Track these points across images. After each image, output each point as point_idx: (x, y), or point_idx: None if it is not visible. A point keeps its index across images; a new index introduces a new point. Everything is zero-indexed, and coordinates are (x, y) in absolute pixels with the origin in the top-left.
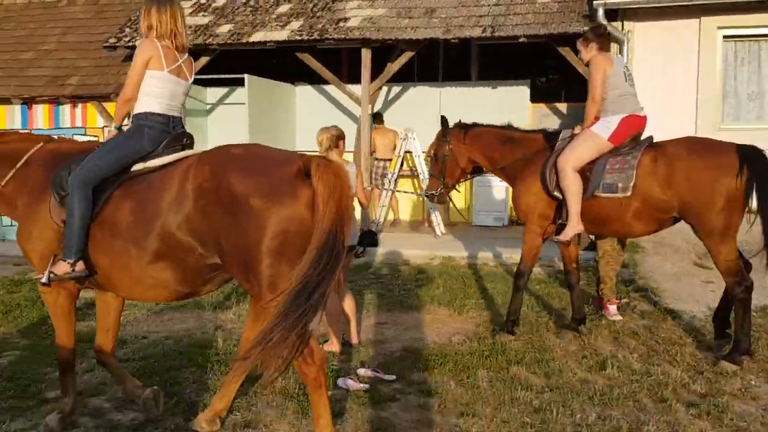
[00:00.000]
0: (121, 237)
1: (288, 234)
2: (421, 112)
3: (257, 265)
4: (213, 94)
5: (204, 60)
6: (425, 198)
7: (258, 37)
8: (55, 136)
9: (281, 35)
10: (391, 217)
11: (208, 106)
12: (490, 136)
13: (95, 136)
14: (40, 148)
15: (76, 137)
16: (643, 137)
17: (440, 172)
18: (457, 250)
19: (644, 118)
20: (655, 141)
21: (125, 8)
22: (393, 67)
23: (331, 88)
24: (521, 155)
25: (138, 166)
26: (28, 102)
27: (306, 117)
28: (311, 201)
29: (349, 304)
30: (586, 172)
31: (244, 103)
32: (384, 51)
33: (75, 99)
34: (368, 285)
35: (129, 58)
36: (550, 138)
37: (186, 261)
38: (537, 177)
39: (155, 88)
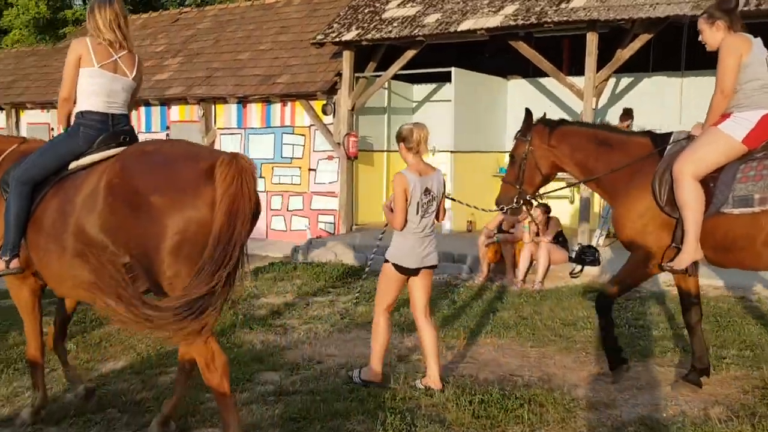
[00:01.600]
0: (46, 234)
1: (187, 234)
2: (656, 108)
3: (158, 265)
4: (419, 91)
5: (410, 54)
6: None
7: (467, 25)
8: (29, 137)
9: (494, 21)
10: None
11: (414, 104)
12: (581, 138)
13: (302, 135)
14: (12, 150)
15: (285, 135)
16: None
17: (517, 178)
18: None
19: None
20: None
21: (336, 5)
22: (624, 54)
23: (548, 81)
24: (623, 163)
25: (73, 165)
26: (243, 101)
27: (518, 114)
28: (214, 200)
29: (427, 338)
30: (709, 183)
31: (450, 100)
32: (610, 37)
33: (284, 98)
34: (584, 318)
35: (337, 54)
36: (658, 141)
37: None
38: (645, 192)
39: (89, 86)
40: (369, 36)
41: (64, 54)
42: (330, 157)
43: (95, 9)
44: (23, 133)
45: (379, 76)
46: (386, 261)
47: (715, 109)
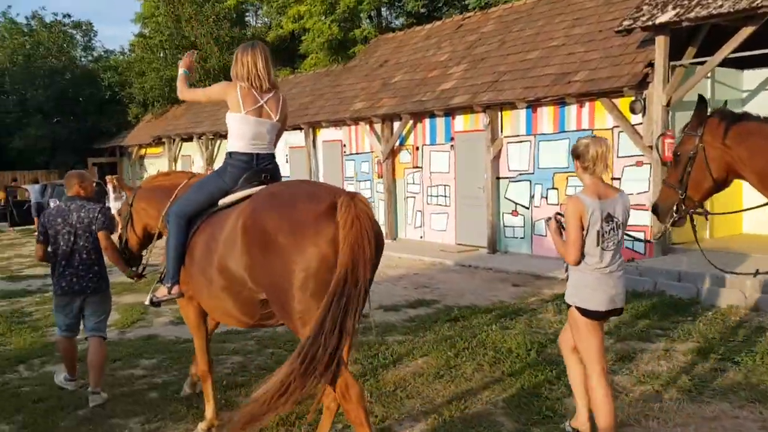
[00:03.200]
0: (196, 266)
1: (311, 270)
2: None
3: (289, 301)
4: (751, 78)
5: (746, 32)
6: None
7: None
8: (196, 172)
9: None
10: None
11: (745, 94)
12: (765, 139)
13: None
14: (186, 182)
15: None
16: None
17: (680, 182)
18: None
19: None
20: None
21: None
22: None
23: None
24: None
25: (221, 202)
26: (532, 105)
27: None
28: (336, 238)
29: (600, 401)
30: None
31: None
32: None
33: (581, 97)
34: None
35: (647, 42)
36: None
37: (242, 294)
38: None
39: (236, 129)
40: (691, 15)
41: (354, 73)
42: (639, 163)
43: (240, 55)
44: (320, 150)
45: (702, 62)
46: (568, 306)
47: None
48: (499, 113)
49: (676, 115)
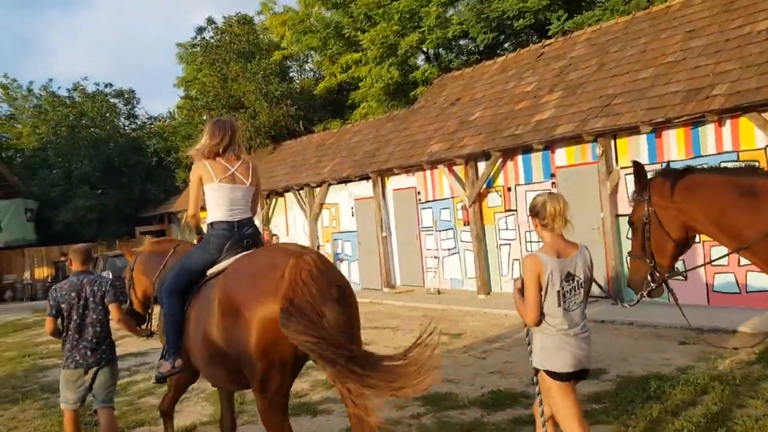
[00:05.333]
0: (190, 338)
1: (268, 337)
2: None
3: (253, 370)
4: None
5: None
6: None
7: None
8: (182, 240)
9: None
10: None
11: None
12: (718, 188)
13: (755, 161)
14: (175, 249)
15: (724, 164)
16: None
17: (643, 250)
18: None
19: None
20: None
21: None
22: None
23: None
24: None
25: (209, 272)
26: (657, 128)
27: None
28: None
29: None
30: None
31: None
32: None
33: (723, 114)
34: None
35: None
36: None
37: (229, 363)
38: None
39: (213, 198)
40: None
41: (421, 114)
42: None
43: (207, 131)
44: (390, 200)
45: None
46: (536, 370)
47: None
48: (612, 141)
49: None
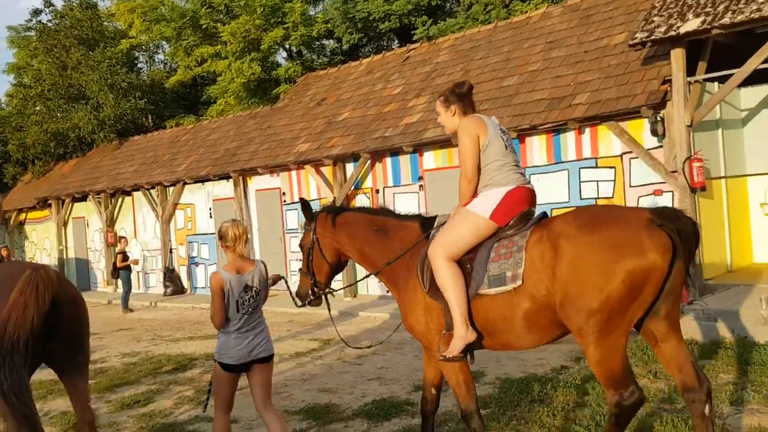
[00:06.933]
0: None
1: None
2: None
3: None
4: (749, 96)
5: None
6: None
7: None
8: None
9: None
10: None
11: (743, 113)
12: (361, 225)
13: (611, 167)
14: None
15: (584, 171)
16: None
17: (308, 269)
18: None
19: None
20: None
21: (617, 4)
22: None
23: None
24: (398, 252)
25: None
26: (520, 135)
27: None
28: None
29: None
30: (466, 264)
31: None
32: None
33: (585, 122)
34: None
35: (654, 58)
36: (425, 225)
37: None
38: (416, 280)
39: None
40: (725, 20)
41: (286, 113)
42: (658, 192)
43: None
44: (252, 201)
45: (723, 77)
46: (215, 361)
47: (463, 194)
48: None
49: (695, 137)
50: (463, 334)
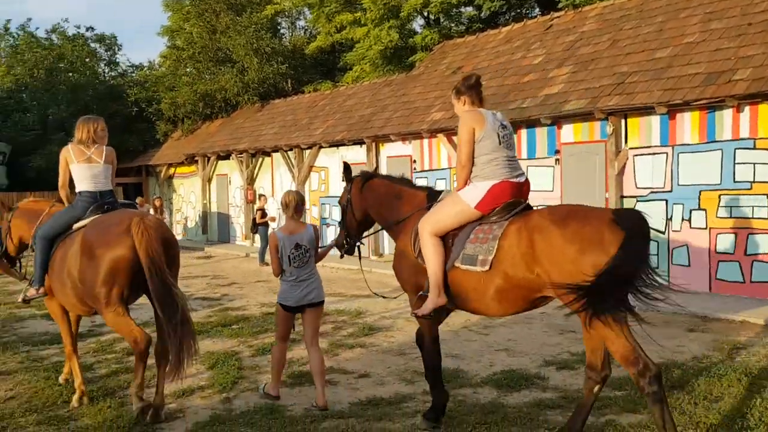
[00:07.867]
0: (55, 272)
1: (111, 269)
2: None
3: (95, 290)
4: None
5: None
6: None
7: None
8: (56, 203)
9: None
10: None
11: None
12: (382, 190)
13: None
14: (48, 212)
15: (741, 152)
16: None
17: (342, 223)
18: None
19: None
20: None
21: None
22: None
23: None
24: (405, 215)
25: (76, 225)
26: (671, 110)
27: None
28: (132, 246)
29: (314, 362)
30: (449, 239)
31: None
32: None
33: (743, 100)
34: None
35: None
36: (431, 196)
37: (76, 289)
38: (409, 240)
39: (78, 175)
40: None
41: (421, 81)
42: None
43: (80, 125)
44: (383, 167)
45: None
46: (278, 303)
47: (458, 178)
48: (623, 121)
49: None
50: (434, 298)
